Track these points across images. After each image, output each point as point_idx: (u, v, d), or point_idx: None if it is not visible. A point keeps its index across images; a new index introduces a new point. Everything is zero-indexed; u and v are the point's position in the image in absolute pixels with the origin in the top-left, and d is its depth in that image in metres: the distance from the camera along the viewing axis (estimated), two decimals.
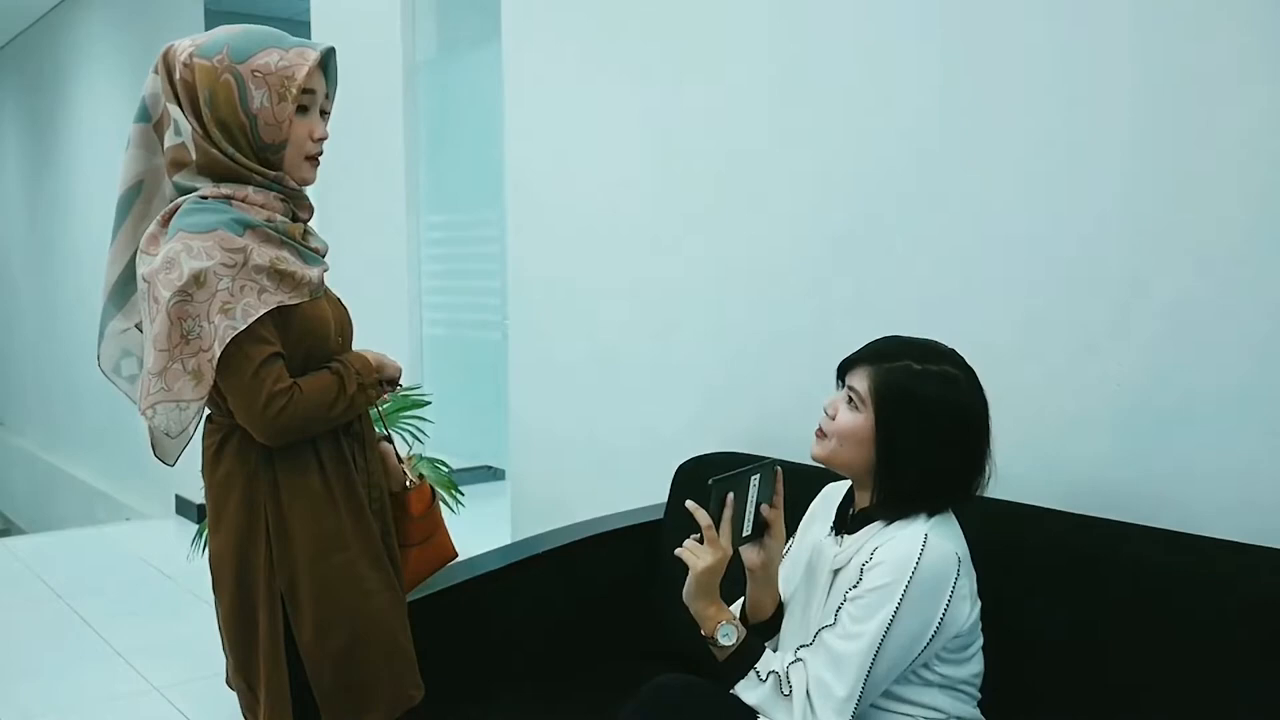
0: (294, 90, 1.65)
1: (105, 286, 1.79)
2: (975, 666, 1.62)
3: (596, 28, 2.93)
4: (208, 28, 6.86)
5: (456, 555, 2.01)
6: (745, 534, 1.68)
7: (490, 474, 4.40)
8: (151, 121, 1.73)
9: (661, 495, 2.47)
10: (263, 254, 1.62)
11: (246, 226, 1.62)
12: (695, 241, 2.66)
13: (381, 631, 1.75)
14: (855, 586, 1.56)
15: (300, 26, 4.52)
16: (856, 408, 1.63)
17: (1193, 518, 1.72)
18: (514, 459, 3.32)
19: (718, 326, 2.61)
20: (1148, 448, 1.81)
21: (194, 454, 1.76)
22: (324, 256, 1.80)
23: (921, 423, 1.58)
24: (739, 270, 2.55)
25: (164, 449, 1.73)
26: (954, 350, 1.64)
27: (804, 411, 2.37)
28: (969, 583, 1.59)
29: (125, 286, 1.78)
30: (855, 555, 1.61)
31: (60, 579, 4.75)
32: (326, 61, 1.73)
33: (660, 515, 2.46)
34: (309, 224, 1.80)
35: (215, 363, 1.57)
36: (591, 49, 2.95)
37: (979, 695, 1.64)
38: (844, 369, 1.69)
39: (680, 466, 2.46)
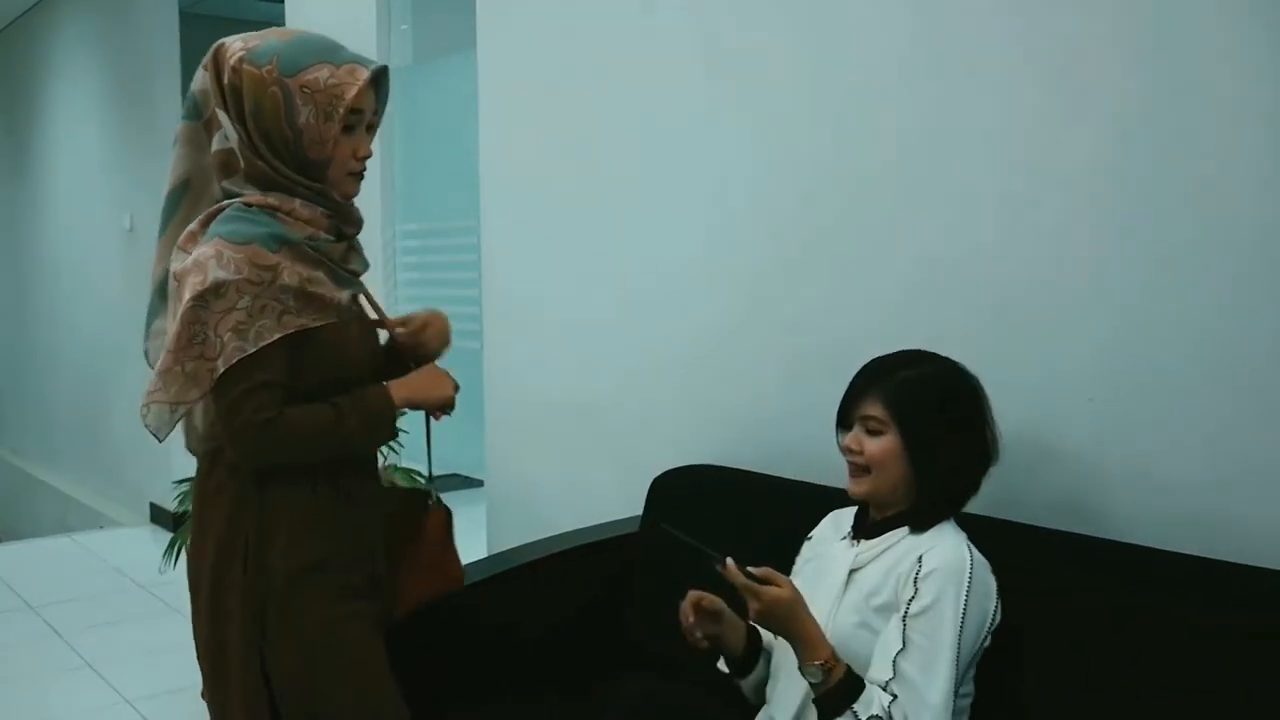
0: (341, 110, 1.61)
1: (153, 282, 1.75)
2: (969, 685, 1.64)
3: (572, 35, 2.92)
4: (183, 31, 6.79)
5: (461, 582, 1.97)
6: None
7: (464, 481, 4.38)
8: (202, 119, 1.68)
9: (637, 508, 2.46)
10: (293, 273, 1.59)
11: (283, 243, 1.59)
12: (673, 248, 2.65)
13: (352, 662, 1.70)
14: (913, 600, 1.58)
15: None
16: (878, 432, 1.68)
17: (1170, 531, 1.73)
18: (491, 469, 3.31)
19: (696, 338, 2.61)
20: (1119, 457, 1.82)
21: (169, 458, 1.75)
22: (359, 277, 1.75)
23: (943, 416, 1.67)
24: (718, 280, 2.54)
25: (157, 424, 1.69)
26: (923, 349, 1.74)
27: (784, 424, 2.38)
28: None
29: (170, 283, 1.74)
30: (880, 558, 1.66)
31: (31, 588, 4.70)
32: (378, 79, 1.68)
33: (636, 528, 2.45)
34: (355, 239, 1.76)
35: (216, 376, 1.56)
36: (567, 57, 2.94)
37: (969, 712, 1.65)
38: (844, 410, 1.74)
39: (656, 479, 2.46)
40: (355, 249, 1.76)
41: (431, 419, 1.92)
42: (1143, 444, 1.79)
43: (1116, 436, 1.82)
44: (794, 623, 1.62)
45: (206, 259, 1.56)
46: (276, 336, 1.57)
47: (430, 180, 3.90)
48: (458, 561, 1.96)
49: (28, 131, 8.11)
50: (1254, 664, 1.49)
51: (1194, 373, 1.72)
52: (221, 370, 1.55)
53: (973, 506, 1.75)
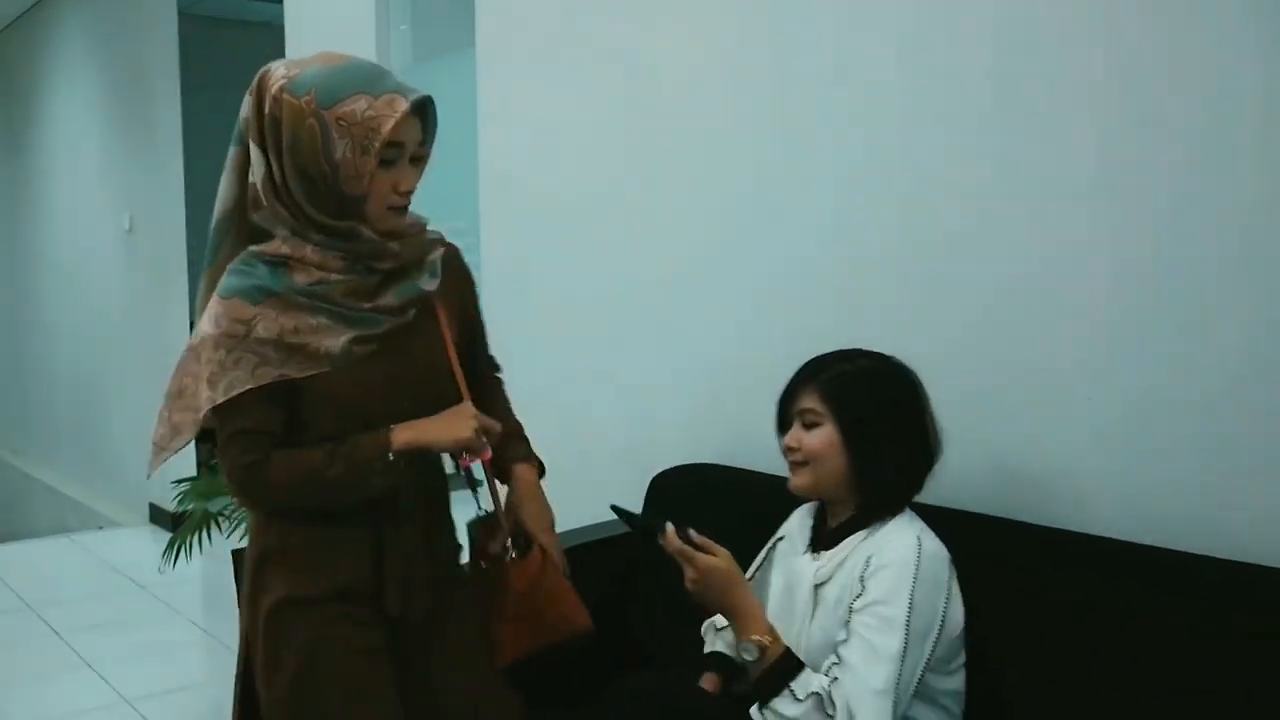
0: (377, 144, 1.53)
1: (198, 313, 1.69)
2: (958, 682, 1.63)
3: (572, 35, 2.92)
4: (182, 31, 6.68)
5: (583, 626, 1.83)
6: None
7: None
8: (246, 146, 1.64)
9: (637, 507, 2.46)
10: (272, 325, 1.55)
11: (268, 294, 1.56)
12: (676, 250, 2.65)
13: (341, 679, 1.65)
14: (859, 597, 1.57)
15: (275, 31, 4.48)
16: (815, 425, 1.67)
17: (1169, 530, 1.73)
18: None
19: (695, 337, 2.61)
20: (1119, 456, 1.82)
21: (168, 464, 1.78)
22: (399, 311, 1.65)
23: (880, 406, 1.67)
24: (716, 280, 2.54)
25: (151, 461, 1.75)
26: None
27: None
28: (956, 582, 1.61)
29: None
30: (840, 568, 1.64)
31: (30, 588, 4.70)
32: (422, 109, 1.60)
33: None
34: (405, 269, 1.67)
35: (198, 425, 1.60)
36: (567, 57, 2.94)
37: (961, 711, 1.65)
38: (783, 407, 1.75)
39: (656, 478, 2.46)
40: (399, 280, 1.66)
41: (460, 462, 1.81)
42: (1143, 443, 1.79)
43: (1116, 435, 1.82)
44: (730, 594, 1.62)
45: (203, 313, 1.61)
46: (247, 388, 1.55)
47: (429, 180, 3.89)
48: (565, 609, 1.82)
49: (27, 131, 8.11)
50: (1254, 664, 1.49)
51: (1194, 373, 1.72)
52: (200, 418, 1.60)
53: (973, 505, 1.75)
